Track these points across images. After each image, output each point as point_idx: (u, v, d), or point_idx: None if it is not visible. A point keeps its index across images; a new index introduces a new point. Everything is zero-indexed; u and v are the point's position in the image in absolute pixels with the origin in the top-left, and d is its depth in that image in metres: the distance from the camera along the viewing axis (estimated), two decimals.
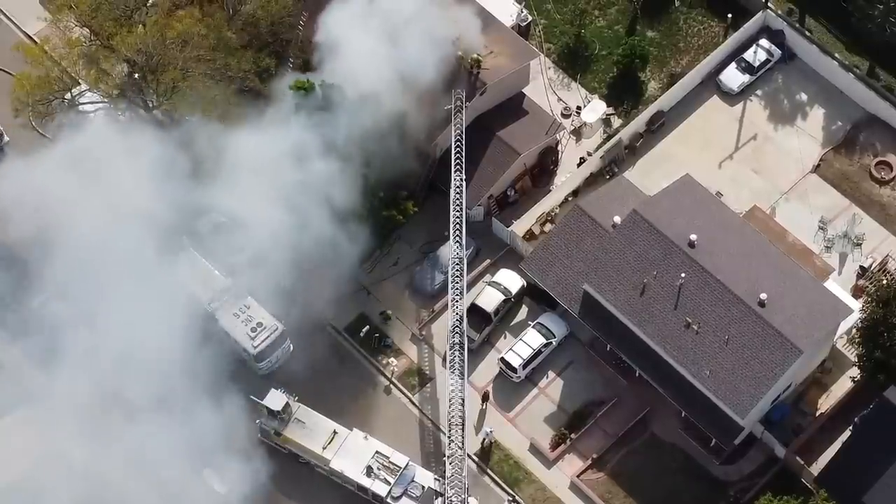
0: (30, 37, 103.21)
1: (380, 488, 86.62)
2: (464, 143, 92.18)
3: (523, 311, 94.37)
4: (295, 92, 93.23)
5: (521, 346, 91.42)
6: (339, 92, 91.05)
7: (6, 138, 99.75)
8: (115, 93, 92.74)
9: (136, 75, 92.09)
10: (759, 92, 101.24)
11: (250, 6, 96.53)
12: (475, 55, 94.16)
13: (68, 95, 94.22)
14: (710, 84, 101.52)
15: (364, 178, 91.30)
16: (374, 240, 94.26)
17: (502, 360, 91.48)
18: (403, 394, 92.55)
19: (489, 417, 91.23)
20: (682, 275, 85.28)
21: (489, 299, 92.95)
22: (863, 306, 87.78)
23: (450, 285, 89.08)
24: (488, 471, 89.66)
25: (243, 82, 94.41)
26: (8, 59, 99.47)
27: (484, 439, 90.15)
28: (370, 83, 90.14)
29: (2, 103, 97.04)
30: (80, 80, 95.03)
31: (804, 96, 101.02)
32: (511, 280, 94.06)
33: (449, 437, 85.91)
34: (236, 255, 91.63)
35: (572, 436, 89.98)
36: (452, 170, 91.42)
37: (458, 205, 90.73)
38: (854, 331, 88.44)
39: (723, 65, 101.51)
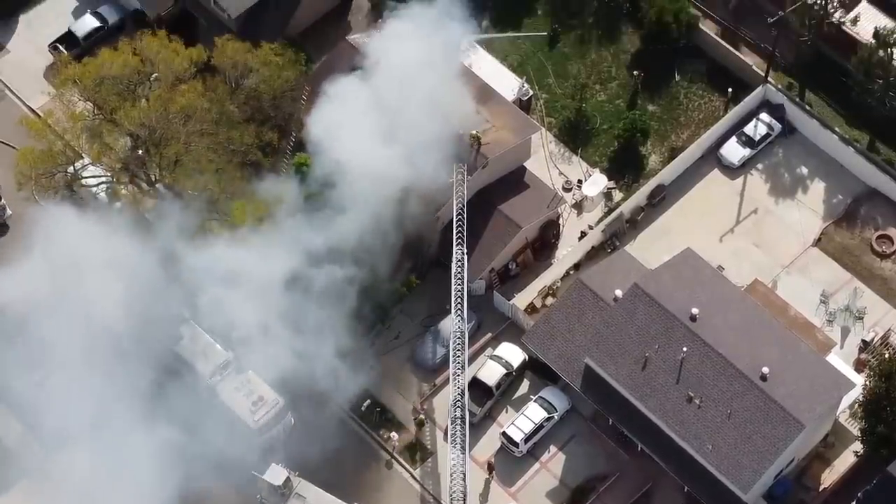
0: (34, 111, 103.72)
1: None
2: (465, 216, 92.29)
3: (525, 385, 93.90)
4: (296, 169, 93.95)
5: (523, 420, 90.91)
6: (340, 174, 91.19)
7: (9, 212, 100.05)
8: (117, 166, 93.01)
9: (140, 149, 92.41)
10: (759, 166, 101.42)
11: (253, 80, 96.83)
12: (474, 132, 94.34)
13: (71, 169, 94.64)
14: (711, 158, 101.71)
15: (366, 255, 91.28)
16: (375, 314, 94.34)
17: (504, 434, 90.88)
18: (404, 468, 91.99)
19: (492, 491, 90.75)
20: (684, 348, 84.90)
21: (491, 373, 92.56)
22: (865, 380, 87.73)
23: (451, 359, 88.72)
24: None
25: (245, 156, 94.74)
26: (12, 133, 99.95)
27: None
28: (371, 169, 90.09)
29: (5, 176, 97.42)
30: (83, 154, 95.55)
31: (805, 170, 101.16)
32: (513, 354, 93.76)
33: None
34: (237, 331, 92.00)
35: None
36: (454, 243, 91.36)
37: (459, 278, 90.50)
38: (857, 405, 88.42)
39: (723, 139, 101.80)
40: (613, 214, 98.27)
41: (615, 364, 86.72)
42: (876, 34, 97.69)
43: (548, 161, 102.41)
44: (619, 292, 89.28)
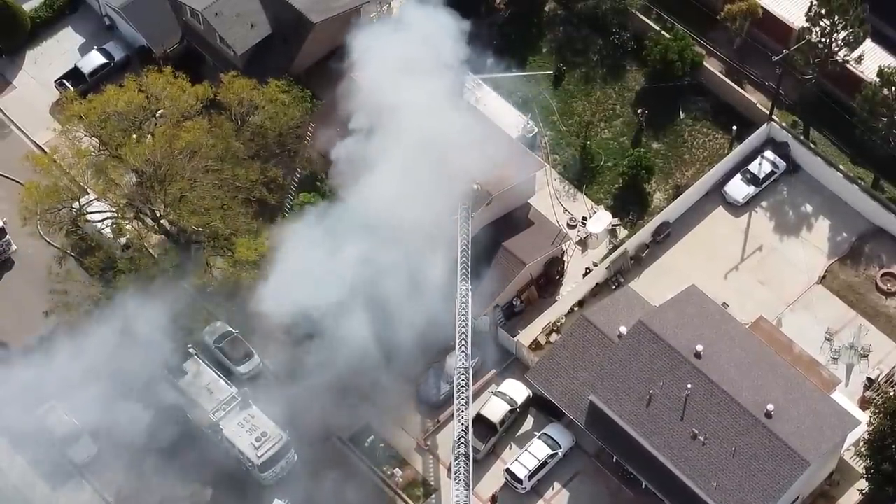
0: (39, 146, 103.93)
1: None
2: (469, 253, 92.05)
3: (529, 422, 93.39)
4: (301, 206, 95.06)
5: (527, 456, 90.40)
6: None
7: (14, 247, 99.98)
8: (122, 202, 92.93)
9: (145, 185, 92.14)
10: (764, 203, 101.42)
11: (258, 117, 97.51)
12: (475, 185, 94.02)
13: (76, 205, 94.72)
14: (716, 195, 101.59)
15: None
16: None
17: (508, 471, 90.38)
18: None
19: None
20: (689, 385, 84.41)
21: (495, 409, 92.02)
22: (870, 418, 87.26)
23: (455, 395, 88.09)
24: None
25: (250, 192, 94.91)
26: (18, 169, 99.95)
27: None
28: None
29: (10, 211, 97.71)
30: (88, 190, 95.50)
31: (809, 208, 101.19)
32: (517, 390, 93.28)
33: None
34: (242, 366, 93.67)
35: None
36: (458, 279, 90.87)
37: (463, 315, 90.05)
38: (861, 443, 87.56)
39: (728, 176, 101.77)
40: (618, 251, 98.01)
41: (619, 401, 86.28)
42: (880, 73, 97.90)
43: (552, 198, 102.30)
44: (623, 329, 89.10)
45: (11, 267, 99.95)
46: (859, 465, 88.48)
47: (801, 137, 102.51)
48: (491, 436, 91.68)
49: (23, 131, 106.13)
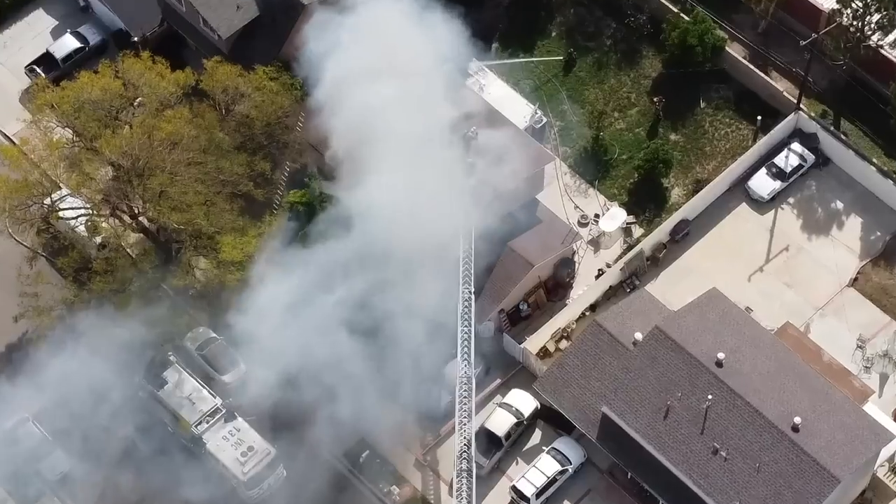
0: (8, 138, 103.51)
1: None
2: (472, 253, 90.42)
3: (537, 435, 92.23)
4: (290, 207, 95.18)
5: (535, 473, 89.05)
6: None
7: None
8: (98, 198, 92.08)
9: (122, 180, 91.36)
10: (791, 199, 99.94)
11: (244, 106, 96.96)
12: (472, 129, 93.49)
13: (48, 200, 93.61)
14: (739, 191, 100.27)
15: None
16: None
17: (514, 488, 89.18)
18: None
19: None
20: (709, 396, 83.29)
21: (500, 422, 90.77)
22: None
23: (457, 407, 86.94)
24: None
25: (236, 187, 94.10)
26: None
27: None
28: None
29: None
30: (61, 185, 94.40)
31: (840, 204, 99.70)
32: (523, 401, 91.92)
33: None
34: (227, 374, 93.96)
35: None
36: (460, 282, 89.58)
37: (465, 320, 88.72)
38: None
39: (752, 170, 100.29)
40: (633, 251, 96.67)
41: (634, 413, 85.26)
42: None
43: (562, 194, 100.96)
44: (638, 335, 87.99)
45: None
46: (894, 483, 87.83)
47: (832, 128, 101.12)
48: (496, 450, 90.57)
49: None
